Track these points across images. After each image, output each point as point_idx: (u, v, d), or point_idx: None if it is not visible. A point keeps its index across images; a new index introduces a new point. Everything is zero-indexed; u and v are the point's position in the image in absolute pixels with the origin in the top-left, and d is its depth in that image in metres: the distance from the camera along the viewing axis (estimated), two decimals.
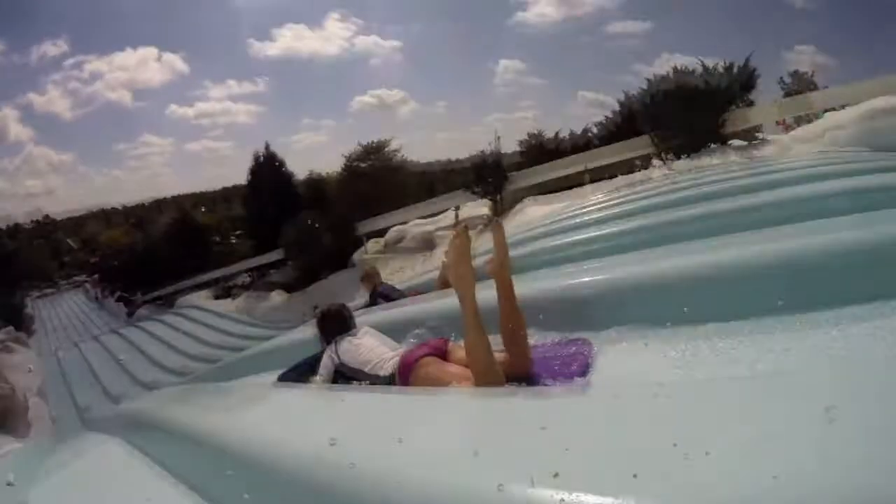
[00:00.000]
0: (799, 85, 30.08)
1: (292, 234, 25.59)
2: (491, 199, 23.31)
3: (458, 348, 2.83)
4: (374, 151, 33.21)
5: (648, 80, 21.60)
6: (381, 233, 29.93)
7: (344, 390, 2.92)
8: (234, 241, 46.48)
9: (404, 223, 28.27)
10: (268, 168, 33.52)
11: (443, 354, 2.83)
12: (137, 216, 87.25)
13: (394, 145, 33.15)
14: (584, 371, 2.41)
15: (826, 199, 4.24)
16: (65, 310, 53.25)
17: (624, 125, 23.34)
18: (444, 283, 5.17)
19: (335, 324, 3.58)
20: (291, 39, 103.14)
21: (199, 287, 37.84)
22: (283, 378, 3.66)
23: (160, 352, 25.35)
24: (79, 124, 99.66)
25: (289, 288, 27.95)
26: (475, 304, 2.38)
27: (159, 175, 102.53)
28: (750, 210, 4.61)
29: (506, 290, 2.61)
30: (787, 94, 24.17)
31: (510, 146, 27.78)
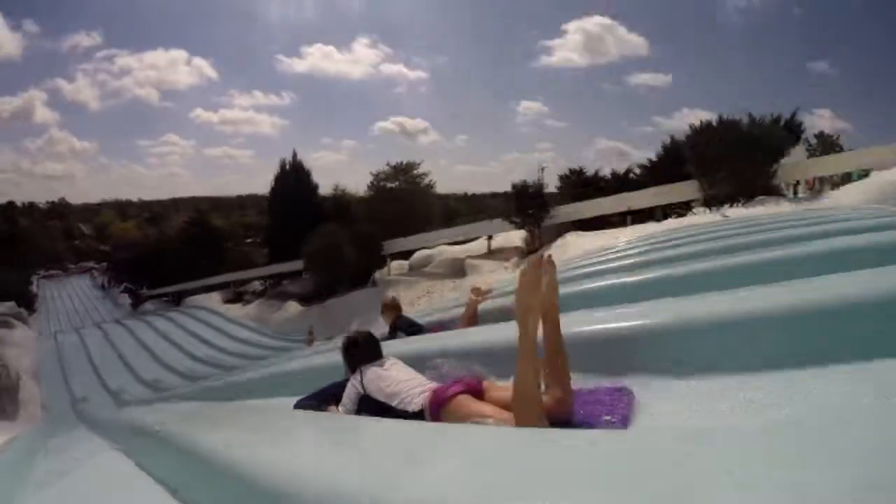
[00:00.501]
0: (823, 146, 29.76)
1: (317, 245, 24.37)
2: (528, 231, 22.58)
3: (494, 388, 2.65)
4: (403, 172, 32.28)
5: (700, 124, 21.24)
6: (404, 254, 29.09)
7: (370, 423, 2.61)
8: (245, 248, 45.95)
9: (430, 247, 27.46)
10: (293, 177, 32.62)
11: (478, 393, 2.60)
12: (152, 212, 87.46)
13: (422, 168, 32.24)
14: (626, 419, 2.26)
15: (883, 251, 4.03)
16: (69, 293, 51.94)
17: (665, 168, 22.65)
18: (469, 321, 4.98)
19: (362, 352, 3.25)
20: (319, 58, 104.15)
21: (208, 289, 36.73)
22: (302, 405, 3.40)
23: (165, 349, 23.97)
24: (104, 115, 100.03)
25: (305, 300, 26.71)
26: (534, 341, 2.22)
27: (177, 175, 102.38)
28: (803, 259, 4.43)
29: (553, 330, 2.41)
30: (811, 155, 23.91)
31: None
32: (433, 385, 2.81)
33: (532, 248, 21.83)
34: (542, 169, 23.32)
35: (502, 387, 2.62)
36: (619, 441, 1.66)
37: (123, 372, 21.24)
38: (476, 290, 5.30)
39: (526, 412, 2.14)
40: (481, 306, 5.13)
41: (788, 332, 2.46)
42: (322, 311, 23.76)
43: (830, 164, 19.98)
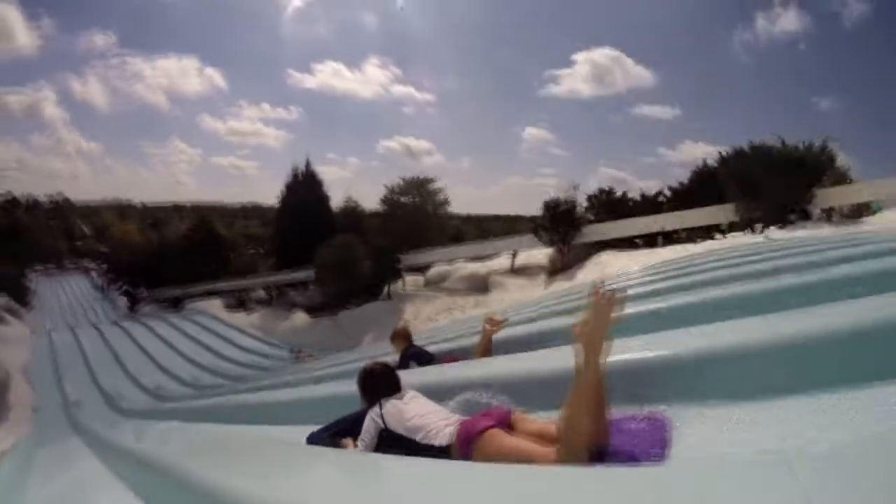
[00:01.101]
0: (835, 177, 29.18)
1: (330, 255, 22.98)
2: (558, 249, 21.55)
3: (524, 420, 2.49)
4: (418, 187, 31.03)
5: (734, 150, 21.20)
6: (416, 269, 27.82)
7: (398, 462, 2.39)
8: (247, 258, 44.56)
9: (447, 263, 26.29)
10: (305, 185, 31.31)
11: (508, 426, 2.41)
12: (154, 216, 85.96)
13: (437, 184, 30.99)
14: (663, 447, 2.10)
15: None
16: (66, 291, 50.12)
17: (696, 191, 22.21)
18: (484, 351, 4.79)
19: (381, 384, 2.99)
20: (329, 75, 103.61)
21: (209, 294, 35.14)
22: (315, 439, 3.15)
23: (166, 355, 22.37)
24: (113, 118, 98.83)
25: (312, 311, 25.23)
26: (598, 373, 2.07)
27: (181, 182, 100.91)
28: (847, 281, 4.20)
29: (576, 368, 2.15)
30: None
31: (529, 210, 26.57)
32: (458, 418, 2.63)
33: (561, 266, 20.98)
34: (575, 187, 22.63)
35: (532, 419, 2.52)
36: (672, 477, 1.54)
37: (121, 376, 19.62)
38: (490, 320, 4.93)
39: (575, 446, 2.02)
40: (495, 336, 4.85)
41: (830, 356, 2.35)
42: (332, 324, 22.32)
43: (863, 192, 19.34)
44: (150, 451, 4.05)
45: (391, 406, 2.79)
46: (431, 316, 19.47)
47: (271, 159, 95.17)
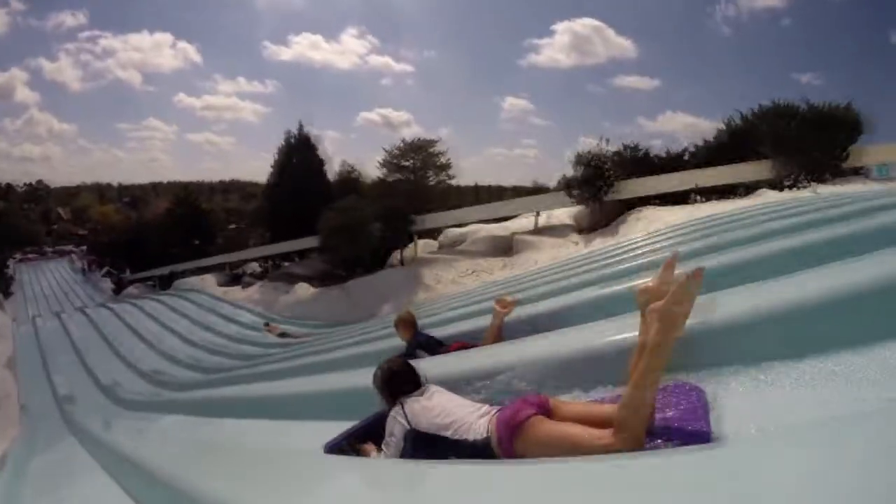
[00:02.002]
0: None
1: (336, 218, 20.65)
2: (588, 206, 19.85)
3: (563, 404, 2.31)
4: (418, 150, 28.53)
5: (761, 108, 20.32)
6: (426, 233, 25.79)
7: (432, 468, 2.15)
8: (229, 232, 42.08)
9: (461, 226, 24.36)
10: (299, 150, 28.69)
11: (547, 412, 2.21)
12: (132, 195, 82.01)
13: (439, 147, 28.47)
14: (705, 420, 1.97)
15: None
16: (48, 277, 46.93)
17: (723, 148, 20.79)
18: (496, 335, 4.48)
19: (401, 383, 2.75)
20: (306, 47, 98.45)
21: (201, 271, 32.59)
22: (334, 447, 2.82)
23: (161, 336, 19.98)
24: (85, 97, 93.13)
25: (316, 281, 22.97)
26: (670, 354, 1.92)
27: (157, 160, 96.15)
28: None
29: (654, 342, 1.94)
30: None
31: (508, 180, 24.75)
32: (489, 408, 2.42)
33: (592, 223, 19.19)
34: (607, 140, 20.62)
35: (568, 402, 2.37)
36: (735, 456, 1.45)
37: (115, 362, 17.26)
38: (502, 302, 4.59)
39: (639, 428, 1.87)
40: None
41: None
42: (342, 294, 20.09)
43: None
44: (151, 460, 3.48)
45: (415, 404, 2.55)
46: (456, 279, 17.43)
47: (248, 134, 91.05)
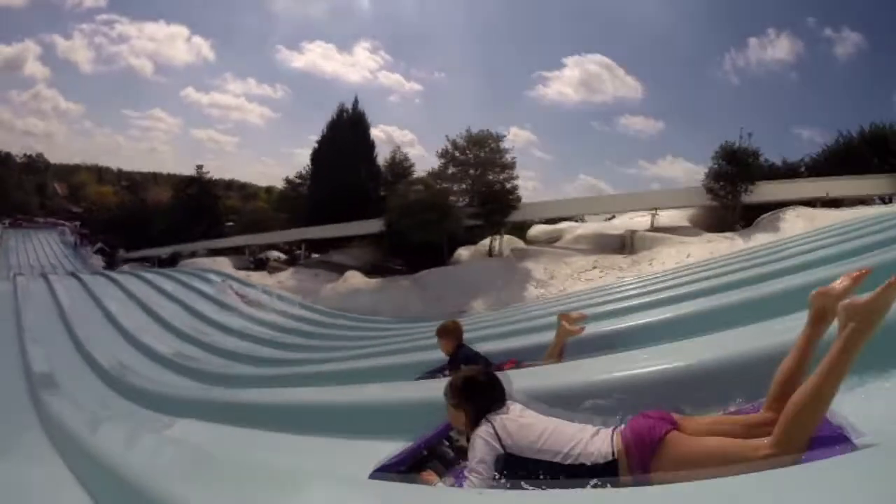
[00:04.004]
0: None
1: (415, 197, 15.65)
2: (725, 205, 16.92)
3: (688, 419, 1.90)
4: (479, 143, 23.67)
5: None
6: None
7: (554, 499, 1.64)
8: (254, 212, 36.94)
9: (553, 222, 20.32)
10: (351, 128, 23.72)
11: (676, 427, 1.82)
12: (131, 180, 75.93)
13: (507, 142, 23.57)
14: (832, 425, 1.61)
15: None
16: (35, 246, 40.19)
17: (835, 163, 19.51)
18: (557, 357, 3.73)
19: (486, 397, 2.13)
20: (318, 56, 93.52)
21: (213, 254, 27.07)
22: (387, 470, 2.16)
23: (175, 314, 14.48)
24: (95, 79, 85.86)
25: (364, 272, 17.86)
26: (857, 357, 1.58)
27: (158, 150, 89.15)
28: None
29: (847, 340, 1.57)
30: None
31: None
32: (597, 428, 1.93)
33: (725, 224, 16.16)
34: (749, 134, 17.39)
35: (693, 417, 1.95)
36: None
37: (117, 339, 11.84)
38: (567, 318, 3.77)
39: (808, 434, 1.55)
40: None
41: None
42: (414, 285, 15.06)
43: None
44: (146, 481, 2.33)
45: (509, 424, 1.97)
46: (574, 274, 12.74)
47: (251, 136, 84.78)
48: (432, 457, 2.22)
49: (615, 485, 1.67)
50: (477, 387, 2.14)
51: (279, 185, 37.90)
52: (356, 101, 24.99)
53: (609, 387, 2.49)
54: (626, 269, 12.71)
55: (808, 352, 1.75)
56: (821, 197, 16.19)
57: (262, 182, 57.60)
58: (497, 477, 1.85)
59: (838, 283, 1.74)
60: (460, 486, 1.98)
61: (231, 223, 44.89)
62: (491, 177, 21.86)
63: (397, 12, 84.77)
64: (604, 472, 1.73)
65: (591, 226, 19.43)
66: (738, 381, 2.20)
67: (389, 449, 2.31)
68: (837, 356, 1.53)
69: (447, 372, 3.93)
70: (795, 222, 13.16)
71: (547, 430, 1.91)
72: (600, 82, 74.69)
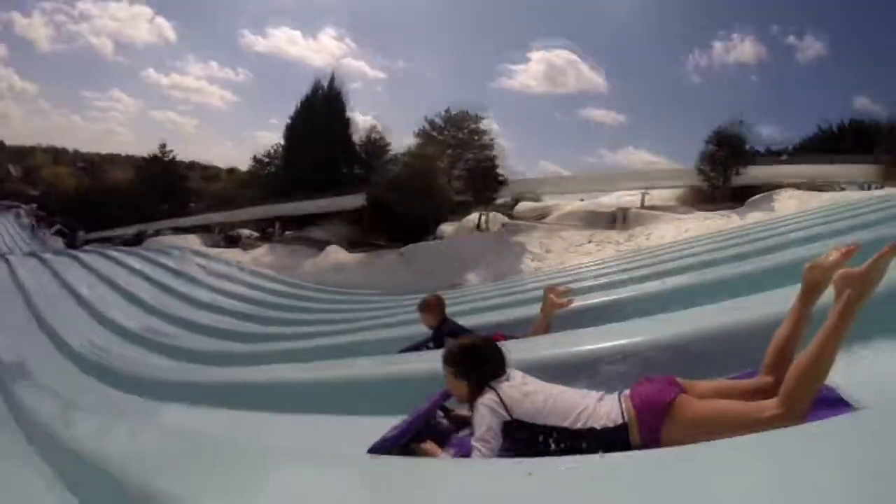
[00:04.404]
0: None
1: (404, 166, 14.90)
2: (713, 185, 17.29)
3: (693, 383, 1.87)
4: (458, 124, 22.82)
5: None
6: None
7: (581, 462, 1.38)
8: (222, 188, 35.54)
9: (535, 200, 20.09)
10: (327, 105, 22.64)
11: (683, 390, 1.80)
12: (88, 161, 72.27)
13: (483, 125, 22.83)
14: (830, 390, 1.68)
15: None
16: None
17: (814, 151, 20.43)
18: (547, 327, 3.58)
19: (491, 364, 2.03)
20: (283, 40, 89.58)
21: (179, 231, 25.72)
22: (385, 447, 2.04)
23: (146, 291, 13.42)
24: (53, 59, 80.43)
25: (350, 246, 17.07)
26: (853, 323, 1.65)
27: (115, 132, 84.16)
28: None
29: (845, 307, 1.62)
30: None
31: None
32: (602, 393, 1.87)
33: (716, 204, 16.17)
34: (741, 121, 18.02)
35: (697, 381, 1.89)
36: None
37: (88, 320, 10.82)
38: (554, 291, 3.62)
39: (813, 394, 1.58)
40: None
41: None
42: (401, 260, 14.37)
43: None
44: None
45: (512, 391, 1.89)
46: (570, 248, 12.32)
47: (211, 119, 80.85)
48: (428, 428, 2.12)
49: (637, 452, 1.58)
50: (479, 354, 2.05)
51: (242, 167, 36.66)
52: (332, 77, 23.91)
53: (598, 357, 2.44)
54: (623, 244, 12.41)
55: (801, 321, 1.80)
56: (804, 182, 16.43)
57: (223, 163, 55.10)
58: (504, 445, 1.78)
59: (829, 257, 1.78)
60: (463, 456, 1.88)
61: (193, 203, 43.31)
62: (471, 155, 21.23)
63: (364, 1, 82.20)
64: (614, 436, 1.69)
65: (579, 203, 19.16)
66: (731, 352, 2.21)
67: (383, 424, 2.17)
68: (836, 322, 1.58)
69: (430, 346, 3.88)
70: (788, 203, 13.32)
71: (552, 396, 1.86)
72: (564, 76, 74.08)
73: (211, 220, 25.62)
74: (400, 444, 2.03)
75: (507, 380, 1.96)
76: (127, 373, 6.58)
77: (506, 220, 18.18)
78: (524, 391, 1.90)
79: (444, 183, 15.54)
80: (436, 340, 3.89)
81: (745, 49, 54.09)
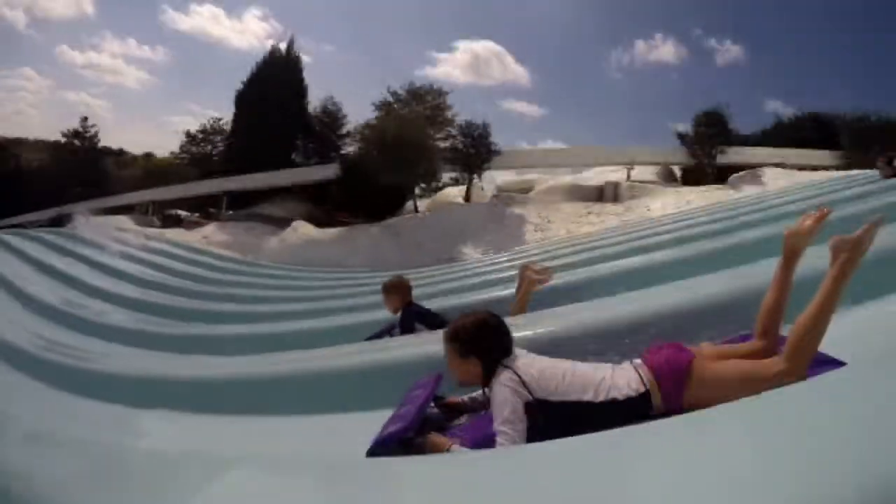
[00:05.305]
0: None
1: (391, 131, 13.19)
2: (700, 162, 17.58)
3: (699, 348, 1.81)
4: (420, 98, 21.29)
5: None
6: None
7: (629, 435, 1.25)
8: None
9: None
10: (283, 71, 20.29)
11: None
12: None
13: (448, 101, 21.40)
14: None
15: None
16: None
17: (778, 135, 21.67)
18: (524, 307, 3.34)
19: (500, 341, 1.79)
20: (206, 20, 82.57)
21: (107, 212, 22.37)
22: (385, 444, 1.70)
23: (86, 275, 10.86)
24: None
25: (315, 223, 15.09)
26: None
27: (24, 113, 74.20)
28: None
29: (841, 269, 1.64)
30: None
31: None
32: (614, 365, 1.74)
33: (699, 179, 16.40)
34: (728, 104, 18.45)
35: (699, 347, 1.83)
36: None
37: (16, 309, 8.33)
38: (531, 269, 3.40)
39: (814, 350, 1.61)
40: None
41: None
42: (387, 233, 12.68)
43: None
44: None
45: (527, 367, 1.67)
46: (572, 219, 11.29)
47: (126, 102, 72.55)
48: (433, 421, 1.85)
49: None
50: (492, 331, 1.78)
51: (157, 153, 33.33)
52: (292, 41, 21.51)
53: (586, 332, 2.41)
54: (624, 215, 11.64)
55: (786, 285, 1.81)
56: (777, 163, 16.91)
57: (137, 149, 49.41)
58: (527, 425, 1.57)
59: (804, 223, 1.80)
60: (475, 445, 1.60)
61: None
62: (431, 131, 19.80)
63: None
64: (637, 404, 1.59)
65: (564, 178, 18.42)
66: (714, 320, 2.26)
67: (367, 421, 1.88)
68: (833, 282, 1.61)
69: (395, 332, 3.56)
70: (777, 180, 13.36)
71: (567, 370, 1.68)
72: (489, 67, 73.68)
73: (143, 199, 22.38)
74: (405, 440, 1.69)
75: (518, 358, 1.73)
76: (57, 365, 4.62)
77: (486, 194, 17.00)
78: (539, 367, 1.69)
79: (432, 148, 13.92)
80: (403, 325, 3.53)
81: (666, 48, 56.41)
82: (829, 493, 0.82)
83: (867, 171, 13.18)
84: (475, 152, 15.18)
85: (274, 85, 19.52)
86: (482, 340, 1.76)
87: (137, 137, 75.33)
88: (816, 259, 1.79)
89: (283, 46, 21.71)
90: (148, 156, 49.31)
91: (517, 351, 1.78)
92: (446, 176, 18.74)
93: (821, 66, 48.93)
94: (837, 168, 15.65)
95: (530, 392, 1.62)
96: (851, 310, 2.09)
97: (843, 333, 1.72)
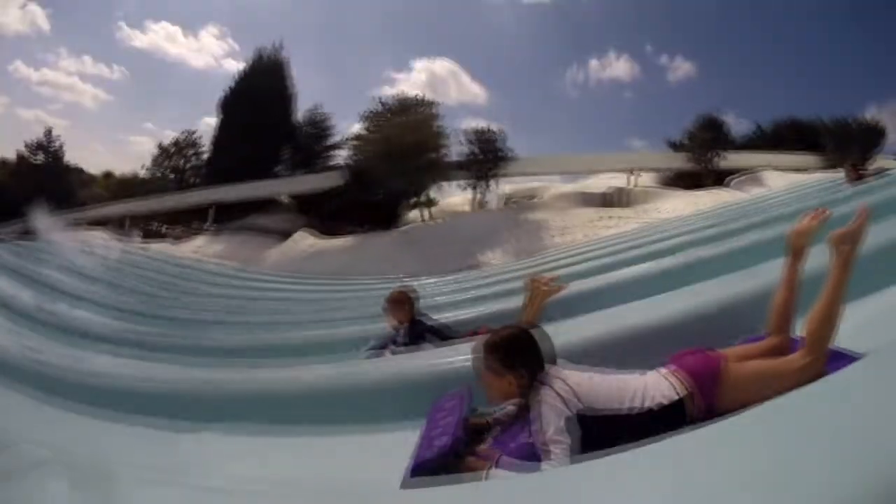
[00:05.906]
0: None
1: (393, 131, 12.68)
2: (701, 165, 17.54)
3: (730, 352, 1.78)
4: (405, 111, 20.73)
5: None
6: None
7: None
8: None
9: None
10: (268, 77, 19.43)
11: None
12: None
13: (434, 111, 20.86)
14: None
15: None
16: None
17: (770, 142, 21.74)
18: (535, 319, 2.82)
19: (536, 356, 1.71)
20: (162, 37, 79.36)
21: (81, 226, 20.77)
22: (423, 470, 1.55)
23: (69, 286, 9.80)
24: None
25: (321, 232, 14.30)
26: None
27: None
28: None
29: (845, 260, 1.67)
30: None
31: None
32: (641, 373, 1.67)
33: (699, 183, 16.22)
34: (725, 112, 20.18)
35: (737, 346, 1.84)
36: None
37: None
38: (539, 280, 2.83)
39: (829, 343, 1.59)
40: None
41: None
42: (402, 240, 12.12)
43: None
44: None
45: (573, 377, 1.60)
46: (589, 224, 11.06)
47: (82, 120, 68.46)
48: (469, 438, 1.70)
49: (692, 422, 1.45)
50: (527, 346, 1.70)
51: (116, 171, 32.25)
52: (281, 45, 20.62)
53: (603, 342, 2.30)
54: (642, 218, 11.49)
55: (794, 282, 1.82)
56: (764, 166, 17.33)
57: (94, 169, 46.77)
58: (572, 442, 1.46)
59: (806, 222, 1.83)
60: (504, 468, 1.47)
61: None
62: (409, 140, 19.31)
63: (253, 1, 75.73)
64: (671, 413, 1.52)
65: (568, 186, 18.35)
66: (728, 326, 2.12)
67: (389, 442, 1.87)
68: (839, 274, 1.63)
69: (396, 346, 3.27)
70: (777, 181, 13.56)
71: (597, 383, 1.61)
72: (445, 86, 73.80)
73: (120, 211, 20.86)
74: (446, 459, 1.56)
75: (560, 369, 1.67)
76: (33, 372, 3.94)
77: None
78: (576, 380, 1.61)
79: (443, 151, 13.34)
80: (411, 338, 3.30)
81: (620, 65, 58.02)
82: (853, 493, 0.81)
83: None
84: (485, 158, 14.76)
85: (258, 92, 18.63)
86: (522, 353, 1.68)
87: (94, 157, 71.60)
88: (816, 257, 1.80)
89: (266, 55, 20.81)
90: (108, 175, 46.91)
91: (546, 364, 1.70)
92: (452, 184, 18.37)
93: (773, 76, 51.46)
94: (824, 169, 16.06)
95: (569, 407, 1.53)
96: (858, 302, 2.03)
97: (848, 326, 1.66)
